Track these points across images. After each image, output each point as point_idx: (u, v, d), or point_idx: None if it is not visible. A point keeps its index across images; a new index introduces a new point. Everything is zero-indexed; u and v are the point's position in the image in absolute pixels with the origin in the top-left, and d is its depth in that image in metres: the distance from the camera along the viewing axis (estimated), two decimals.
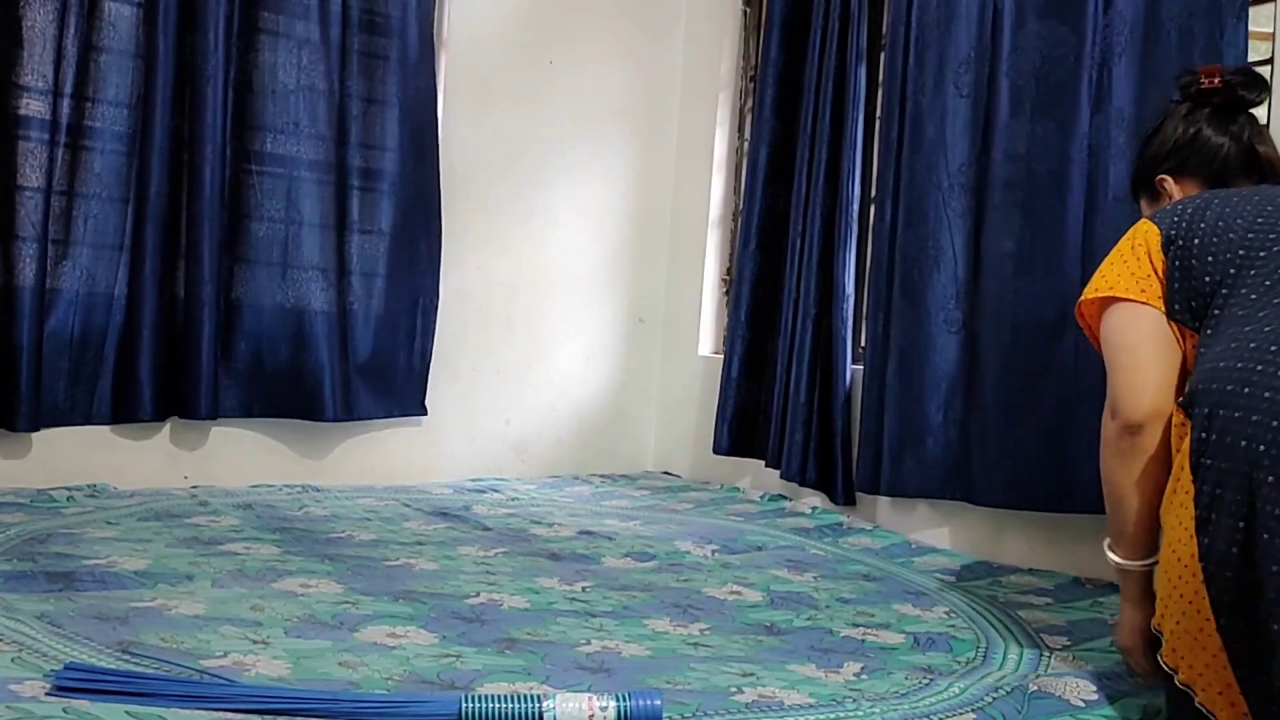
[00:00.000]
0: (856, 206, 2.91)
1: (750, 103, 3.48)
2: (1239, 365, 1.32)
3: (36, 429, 2.65)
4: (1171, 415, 1.42)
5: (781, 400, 3.02)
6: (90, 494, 2.55)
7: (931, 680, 1.59)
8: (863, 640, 1.79)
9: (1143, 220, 1.59)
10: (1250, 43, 2.17)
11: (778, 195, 3.15)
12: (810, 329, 2.93)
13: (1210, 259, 1.45)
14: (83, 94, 2.68)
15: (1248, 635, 1.25)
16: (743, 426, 3.19)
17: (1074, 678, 1.60)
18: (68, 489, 2.54)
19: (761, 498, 3.09)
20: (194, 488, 2.74)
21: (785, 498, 3.08)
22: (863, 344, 2.95)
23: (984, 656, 1.75)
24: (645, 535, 2.50)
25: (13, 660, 1.40)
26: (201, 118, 2.79)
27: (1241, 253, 1.43)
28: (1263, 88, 1.71)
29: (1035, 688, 1.54)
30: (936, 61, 2.62)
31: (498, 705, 1.32)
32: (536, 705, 1.32)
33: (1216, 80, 1.67)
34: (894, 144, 2.72)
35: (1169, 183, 1.69)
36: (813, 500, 3.01)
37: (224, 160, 2.86)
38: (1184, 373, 1.47)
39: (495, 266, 3.39)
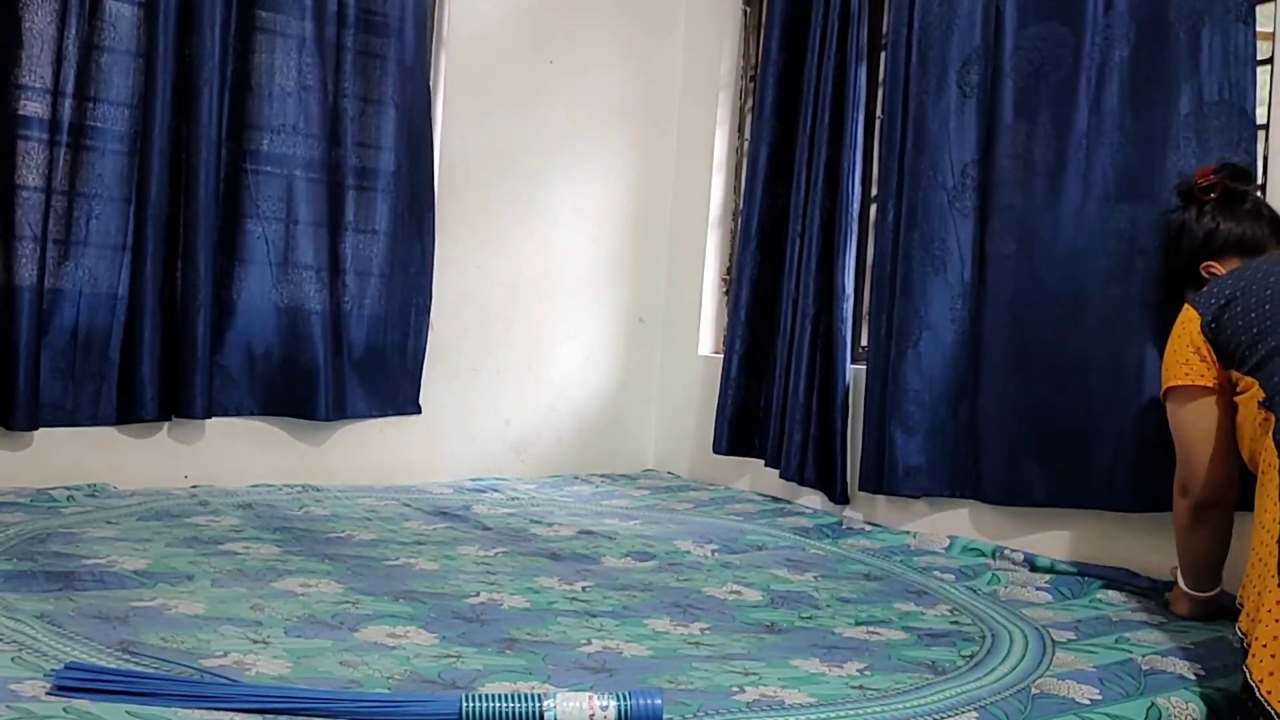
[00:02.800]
0: (857, 206, 2.91)
1: (750, 103, 3.48)
2: None
3: (35, 428, 2.65)
4: (1256, 412, 1.65)
5: (781, 400, 3.02)
6: (90, 493, 2.55)
7: (935, 678, 1.59)
8: (865, 639, 1.79)
9: (1186, 308, 1.86)
10: (1256, 43, 2.17)
11: (777, 195, 3.15)
12: (809, 329, 2.93)
13: (1261, 312, 1.69)
14: (84, 94, 2.68)
15: None
16: (742, 426, 3.19)
17: (1078, 677, 1.60)
18: (67, 488, 2.54)
19: (761, 497, 3.09)
20: (194, 487, 2.74)
21: (784, 499, 3.08)
22: (863, 343, 2.95)
23: (988, 652, 1.74)
24: (645, 535, 2.50)
25: (13, 660, 1.40)
26: (198, 117, 2.79)
27: None
28: (1249, 179, 2.02)
29: (1039, 691, 1.54)
30: (939, 61, 2.62)
31: (498, 705, 1.32)
32: (537, 705, 1.32)
33: (1211, 177, 1.99)
34: (897, 143, 2.71)
35: (1215, 267, 1.96)
36: (812, 500, 3.01)
37: (220, 160, 2.85)
38: (1229, 404, 1.76)
39: (495, 266, 3.39)
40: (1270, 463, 1.56)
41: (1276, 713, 1.37)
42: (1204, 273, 1.98)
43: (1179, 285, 2.06)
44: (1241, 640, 1.51)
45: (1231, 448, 1.79)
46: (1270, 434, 1.57)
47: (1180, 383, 1.82)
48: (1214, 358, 1.78)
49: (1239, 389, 1.76)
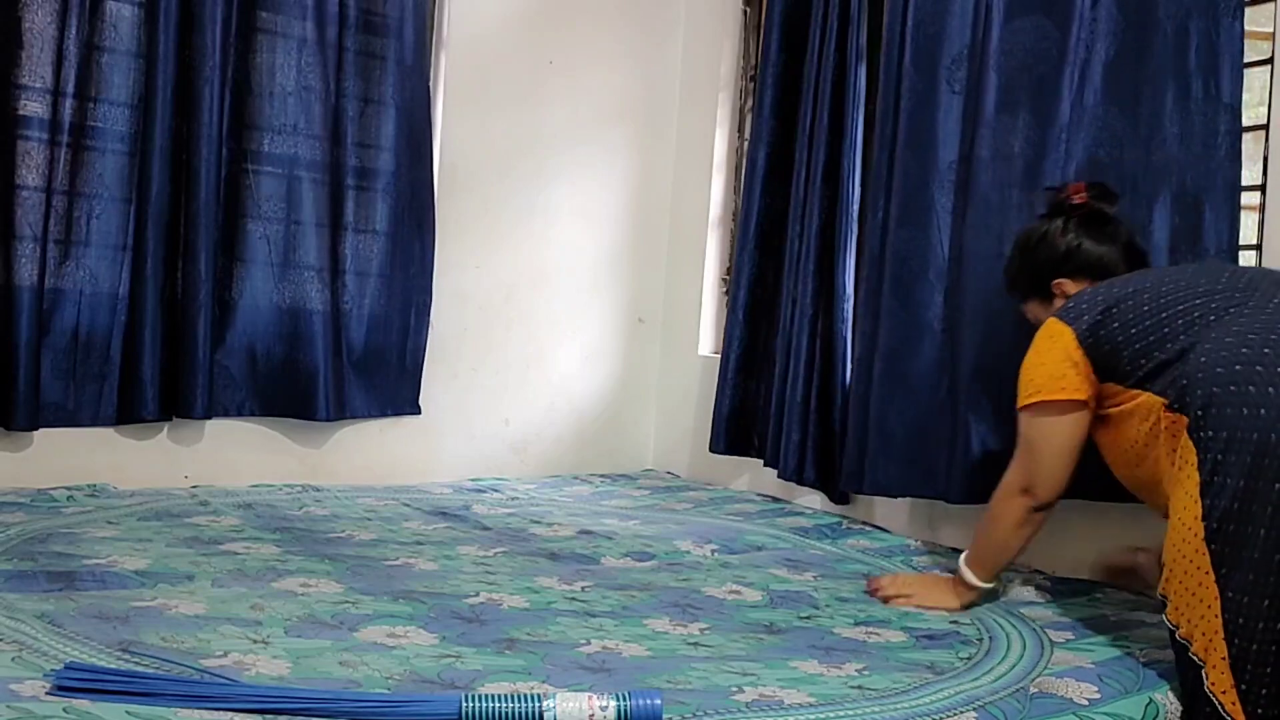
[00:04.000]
0: (856, 206, 2.91)
1: (750, 103, 3.48)
2: (1233, 363, 1.58)
3: (36, 428, 2.65)
4: (1155, 420, 1.70)
5: (780, 400, 3.01)
6: (90, 493, 2.55)
7: (934, 678, 1.60)
8: (863, 639, 1.80)
9: (1053, 321, 1.88)
10: (1248, 42, 2.17)
11: (777, 195, 3.15)
12: (808, 329, 2.93)
13: (1143, 327, 1.74)
14: (84, 94, 2.68)
15: (1245, 583, 1.49)
16: (741, 426, 3.19)
17: (1076, 675, 1.60)
18: (67, 488, 2.54)
19: (760, 497, 3.09)
20: (194, 487, 2.74)
21: (783, 499, 3.08)
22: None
23: (986, 653, 1.75)
24: (645, 535, 2.50)
25: (13, 660, 1.41)
26: (199, 118, 2.79)
27: (1197, 314, 1.71)
28: (1115, 201, 2.07)
29: (1036, 689, 1.54)
30: (931, 59, 2.61)
31: (498, 705, 1.32)
32: (537, 705, 1.33)
33: (1084, 194, 2.04)
34: (889, 141, 2.71)
35: (1066, 284, 2.01)
36: (811, 500, 3.02)
37: (221, 160, 2.86)
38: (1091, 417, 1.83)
39: (495, 266, 3.39)
40: (1188, 460, 1.59)
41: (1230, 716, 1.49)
42: (1054, 288, 2.03)
43: (1024, 292, 2.10)
44: (1173, 631, 1.59)
45: (1079, 458, 1.86)
46: (1185, 432, 1.60)
47: (1054, 397, 1.82)
48: (1090, 371, 1.80)
49: (1114, 401, 1.80)
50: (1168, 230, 2.21)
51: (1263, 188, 2.17)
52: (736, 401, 3.18)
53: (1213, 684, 1.52)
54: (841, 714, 1.43)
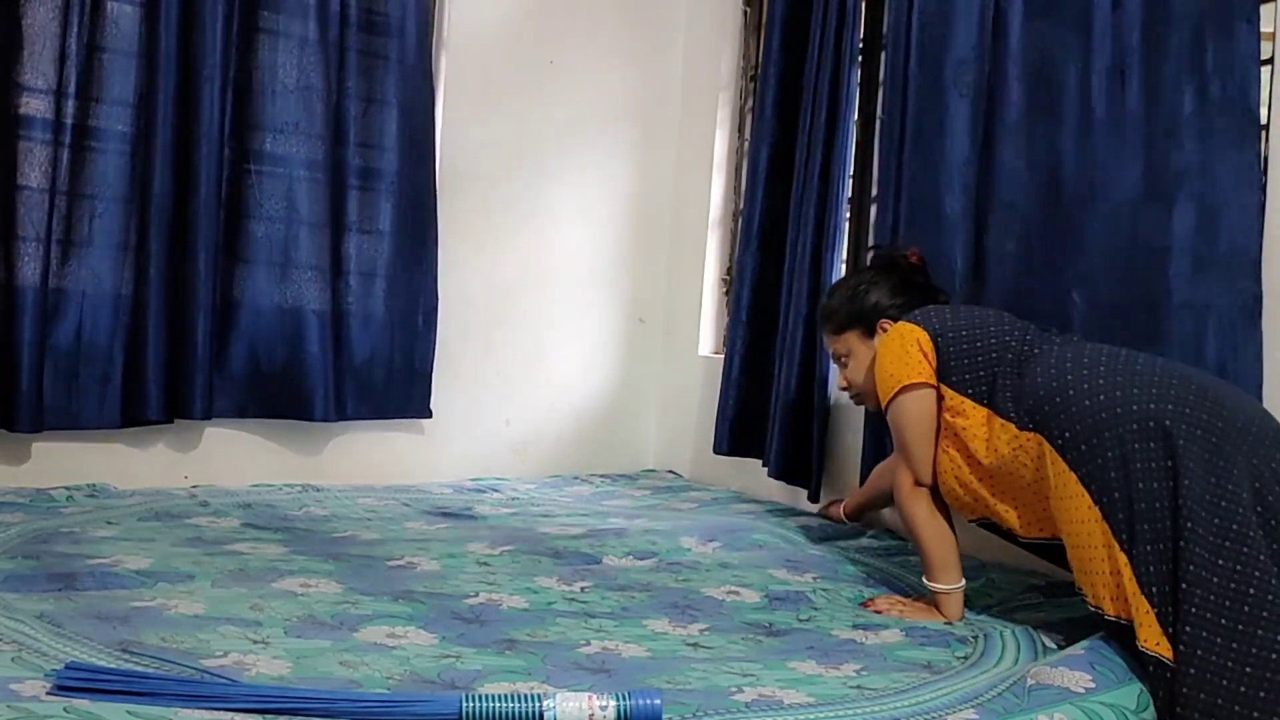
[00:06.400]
0: (846, 207, 2.92)
1: (750, 103, 3.48)
2: (1059, 381, 1.82)
3: (38, 430, 2.65)
4: (1011, 439, 1.87)
5: (781, 401, 3.01)
6: (90, 494, 2.55)
7: (931, 677, 1.60)
8: (861, 640, 1.80)
9: (903, 324, 2.08)
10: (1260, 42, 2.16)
11: (778, 195, 3.15)
12: (804, 329, 2.93)
13: (978, 345, 1.98)
14: (86, 94, 2.68)
15: (1142, 533, 1.64)
16: (743, 427, 3.19)
17: (1069, 665, 1.60)
18: (67, 489, 2.55)
19: (761, 498, 3.09)
20: (194, 488, 2.74)
21: (784, 500, 3.08)
22: None
23: (982, 652, 1.75)
24: (646, 535, 2.50)
25: (13, 660, 1.41)
26: (200, 117, 2.79)
27: (1019, 342, 1.96)
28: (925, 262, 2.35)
29: (1034, 681, 1.54)
30: (937, 61, 2.62)
31: (498, 705, 1.33)
32: (537, 705, 1.33)
33: (917, 259, 2.31)
34: (895, 143, 2.71)
35: (889, 324, 2.19)
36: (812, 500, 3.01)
37: (222, 160, 2.86)
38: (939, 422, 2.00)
39: (496, 266, 3.39)
40: (1059, 468, 1.77)
41: (1168, 660, 1.57)
42: (880, 327, 2.21)
43: (848, 323, 2.27)
44: (1099, 613, 1.70)
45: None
46: (1048, 445, 1.79)
47: (913, 380, 2.00)
48: (934, 362, 2.00)
49: (948, 406, 1.97)
50: (1190, 233, 2.21)
51: (1263, 188, 2.17)
52: (739, 402, 3.18)
53: (1143, 639, 1.60)
54: (841, 714, 1.43)
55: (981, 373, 1.94)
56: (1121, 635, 1.66)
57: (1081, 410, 1.76)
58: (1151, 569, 1.62)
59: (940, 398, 2.00)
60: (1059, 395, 1.80)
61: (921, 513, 2.02)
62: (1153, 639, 1.60)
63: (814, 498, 2.92)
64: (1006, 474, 1.89)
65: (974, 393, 1.94)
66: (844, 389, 2.32)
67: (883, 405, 2.08)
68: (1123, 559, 1.65)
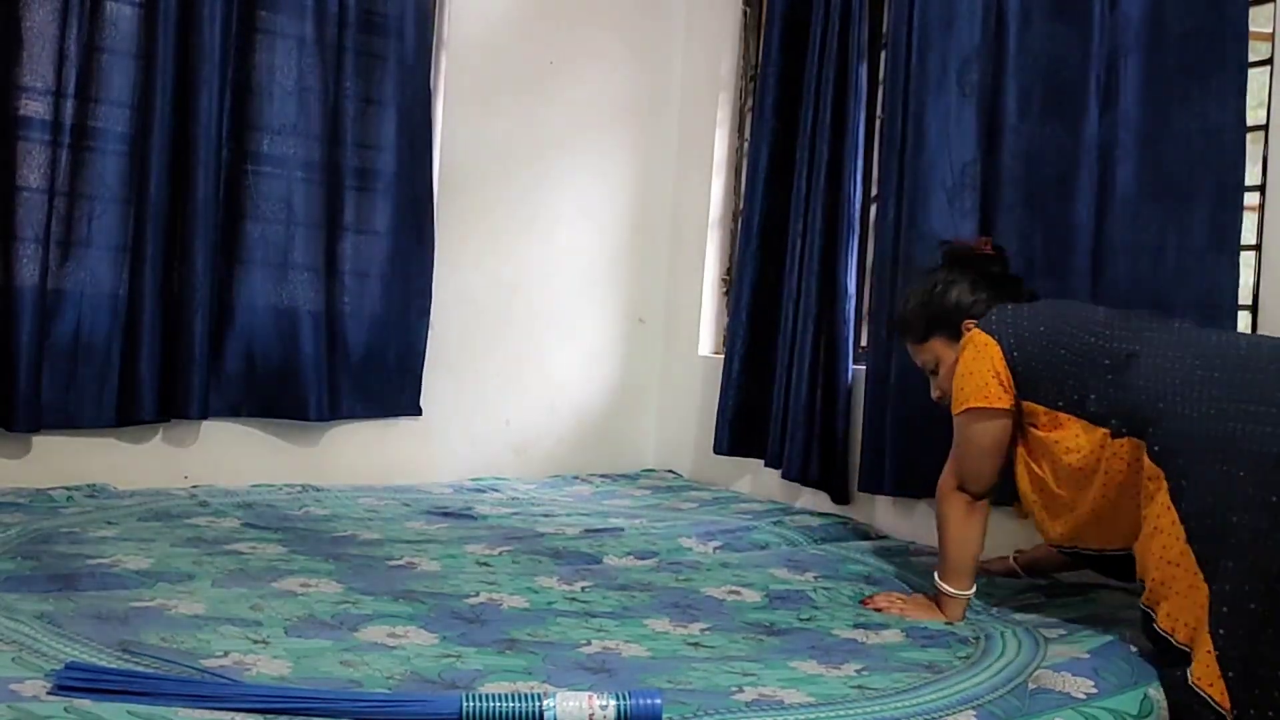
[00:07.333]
0: (859, 206, 2.91)
1: (750, 103, 3.48)
2: (1169, 382, 1.74)
3: (36, 429, 2.65)
4: (1100, 447, 1.82)
5: (782, 400, 3.02)
6: (90, 494, 2.55)
7: (932, 677, 1.60)
8: (862, 640, 1.80)
9: (978, 334, 2.00)
10: (1250, 43, 2.17)
11: (778, 195, 3.14)
12: (811, 329, 2.93)
13: (1062, 354, 1.90)
14: (85, 94, 2.68)
15: (1228, 571, 1.58)
16: (743, 426, 3.19)
17: (1073, 670, 1.60)
18: (67, 489, 2.54)
19: (762, 498, 3.09)
20: (194, 488, 2.74)
21: (785, 500, 3.08)
22: (864, 343, 2.95)
23: (983, 652, 1.75)
24: (646, 535, 2.50)
25: (13, 660, 1.41)
26: (198, 118, 2.79)
27: (1110, 340, 1.87)
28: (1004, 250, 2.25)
29: (1035, 685, 1.54)
30: (939, 60, 2.61)
31: (498, 705, 1.32)
32: (537, 704, 1.33)
33: (990, 249, 2.20)
34: (897, 143, 2.71)
35: (972, 323, 2.07)
36: (814, 500, 3.01)
37: (220, 160, 2.86)
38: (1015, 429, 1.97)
39: (496, 266, 3.39)
40: (1152, 476, 1.72)
41: (1220, 706, 1.55)
42: (964, 329, 2.09)
43: (931, 331, 2.15)
44: (1169, 636, 1.66)
45: (1006, 459, 1.99)
46: (1145, 453, 1.73)
47: (980, 405, 1.95)
48: (1011, 385, 1.94)
49: (1035, 421, 1.92)
50: (1192, 231, 2.21)
51: (1262, 188, 2.17)
52: (740, 402, 3.18)
53: (1198, 678, 1.57)
54: (841, 714, 1.43)
55: (1071, 381, 1.87)
56: (1173, 658, 1.64)
57: (1186, 423, 1.69)
58: (1225, 609, 1.57)
59: (1023, 413, 1.94)
60: (1161, 401, 1.73)
61: (957, 514, 2.00)
62: (1207, 679, 1.57)
63: (839, 499, 2.92)
64: (1088, 482, 1.85)
65: (1065, 404, 1.88)
66: (938, 399, 2.17)
67: (953, 413, 2.03)
68: (1204, 589, 1.61)
